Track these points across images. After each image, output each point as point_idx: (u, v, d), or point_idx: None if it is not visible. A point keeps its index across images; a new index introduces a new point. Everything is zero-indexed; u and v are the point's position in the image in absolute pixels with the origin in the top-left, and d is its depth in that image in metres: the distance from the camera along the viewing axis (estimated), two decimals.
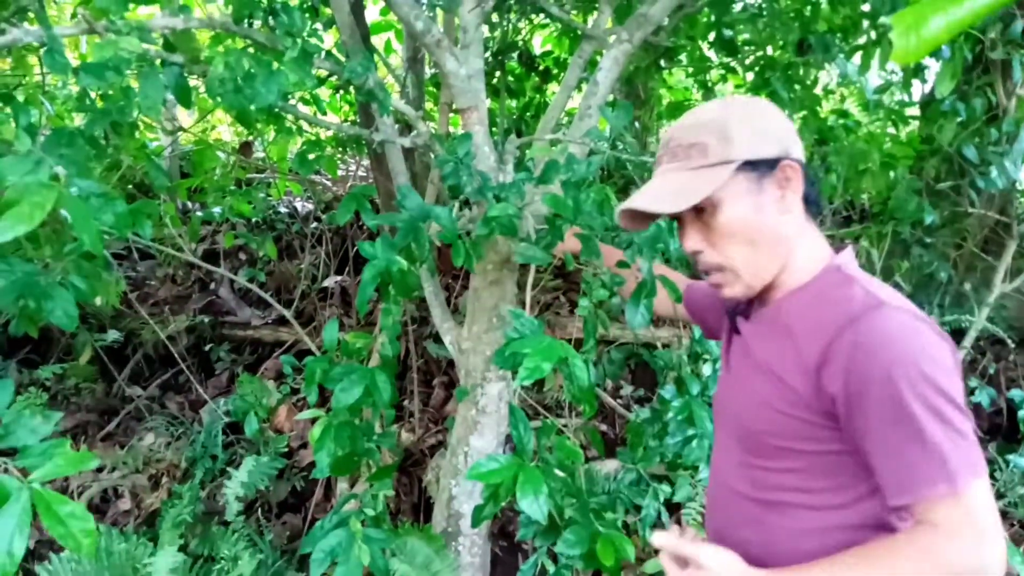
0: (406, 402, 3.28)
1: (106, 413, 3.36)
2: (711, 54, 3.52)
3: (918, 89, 3.51)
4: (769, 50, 3.33)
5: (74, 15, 1.73)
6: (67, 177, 1.29)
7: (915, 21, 0.37)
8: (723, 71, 3.63)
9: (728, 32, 3.08)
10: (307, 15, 1.68)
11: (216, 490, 2.82)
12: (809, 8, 2.97)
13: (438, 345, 3.33)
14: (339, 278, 3.98)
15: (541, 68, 3.90)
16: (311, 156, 2.01)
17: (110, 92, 1.50)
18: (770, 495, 1.10)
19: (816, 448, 1.03)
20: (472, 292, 2.11)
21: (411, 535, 2.10)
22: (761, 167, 1.05)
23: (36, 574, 2.14)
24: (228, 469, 2.81)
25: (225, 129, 5.55)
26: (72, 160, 1.33)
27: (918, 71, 3.15)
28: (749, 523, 1.14)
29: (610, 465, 2.89)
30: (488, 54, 3.52)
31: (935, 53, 2.84)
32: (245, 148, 4.42)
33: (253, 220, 4.18)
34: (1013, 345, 3.39)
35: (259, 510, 2.86)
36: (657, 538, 1.09)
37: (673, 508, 2.61)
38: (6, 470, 1.13)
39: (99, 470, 2.92)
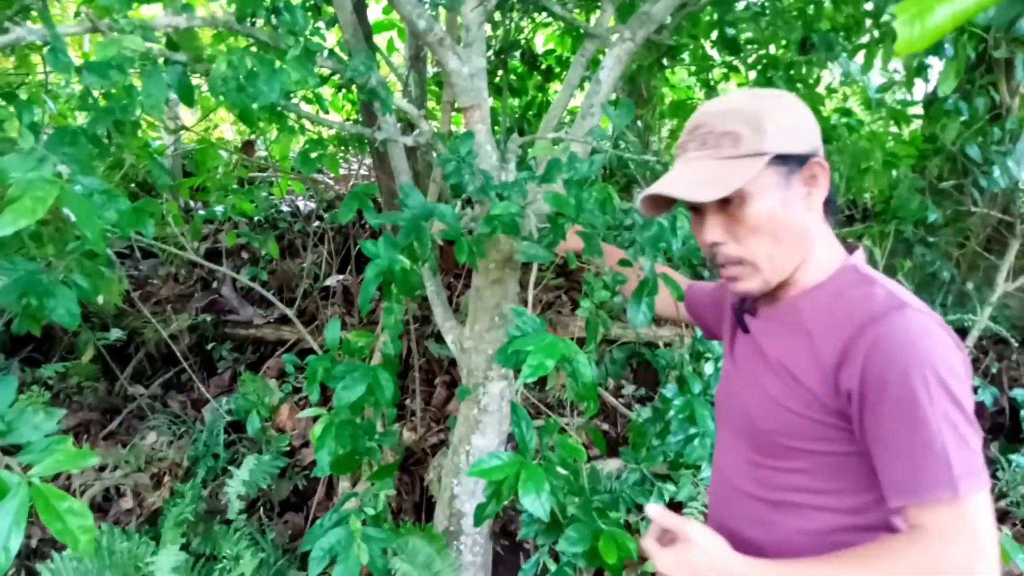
0: (408, 401, 3.28)
1: (108, 412, 3.37)
2: (714, 53, 3.52)
3: (921, 88, 3.50)
4: (772, 49, 3.33)
5: (77, 14, 1.74)
6: (70, 175, 1.29)
7: (920, 10, 0.37)
8: (725, 70, 3.64)
9: (731, 31, 3.08)
10: (309, 14, 1.68)
11: (218, 489, 2.82)
12: (812, 7, 2.97)
13: (440, 344, 3.33)
14: (341, 277, 3.98)
15: (543, 67, 3.90)
16: (313, 155, 2.01)
17: (113, 91, 1.50)
18: (778, 495, 1.10)
19: (826, 449, 1.03)
20: (474, 291, 2.11)
21: (413, 534, 2.10)
22: (791, 163, 1.03)
23: (38, 572, 2.15)
24: (230, 468, 2.81)
25: (227, 128, 5.55)
26: (75, 158, 1.33)
27: (921, 70, 3.15)
28: (757, 523, 1.13)
29: (612, 464, 2.89)
30: (490, 53, 3.52)
31: (938, 51, 2.84)
32: (247, 147, 4.42)
33: (255, 219, 4.19)
34: (1016, 344, 3.38)
35: (261, 509, 2.86)
36: (651, 508, 1.08)
37: (675, 507, 2.61)
38: (7, 466, 1.13)
39: (101, 469, 2.92)
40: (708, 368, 2.02)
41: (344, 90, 4.08)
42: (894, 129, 3.64)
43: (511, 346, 1.37)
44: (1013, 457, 3.07)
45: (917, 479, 0.91)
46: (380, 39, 3.58)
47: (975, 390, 3.36)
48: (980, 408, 3.38)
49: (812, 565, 0.96)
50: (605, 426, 3.30)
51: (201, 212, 3.85)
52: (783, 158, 1.02)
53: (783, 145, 1.02)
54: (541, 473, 1.38)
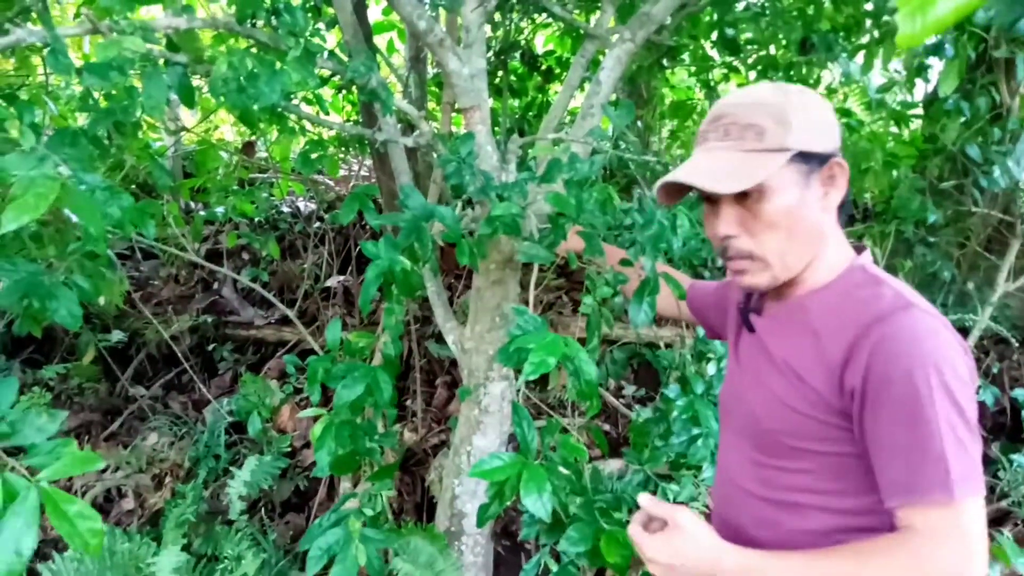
0: (409, 401, 3.28)
1: (109, 413, 3.37)
2: (714, 53, 3.52)
3: (921, 88, 3.50)
4: (772, 49, 3.33)
5: (78, 15, 1.74)
6: (72, 174, 1.29)
7: (921, 4, 0.37)
8: (726, 70, 3.63)
9: (731, 31, 3.08)
10: (310, 15, 1.68)
11: (219, 490, 2.83)
12: (812, 7, 2.97)
13: (440, 345, 3.33)
14: (342, 278, 3.98)
15: (543, 67, 3.90)
16: (313, 156, 2.01)
17: (113, 92, 1.50)
18: (782, 495, 1.09)
19: (831, 449, 1.02)
20: (475, 291, 2.11)
21: (414, 534, 2.10)
22: (812, 161, 1.02)
23: (39, 573, 2.15)
24: (231, 469, 2.81)
25: (228, 129, 5.56)
26: (76, 159, 1.33)
27: (921, 70, 3.14)
28: (761, 523, 1.13)
29: (613, 465, 2.89)
30: (491, 53, 3.52)
31: (939, 51, 2.84)
32: (248, 148, 4.43)
33: (256, 220, 4.19)
34: (1017, 344, 3.38)
35: (262, 510, 2.86)
36: (642, 498, 1.08)
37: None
38: (12, 469, 1.13)
39: (103, 470, 2.92)
40: (711, 368, 2.02)
41: (344, 91, 4.08)
42: (894, 129, 3.63)
43: (513, 344, 1.37)
44: (1014, 457, 3.07)
45: (913, 480, 0.91)
46: (380, 40, 3.58)
47: (976, 390, 3.35)
48: (981, 408, 3.37)
49: (803, 558, 0.96)
50: (606, 427, 3.30)
51: (202, 213, 3.85)
52: (805, 156, 1.01)
53: (806, 142, 1.01)
54: (543, 473, 1.38)
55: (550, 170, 1.65)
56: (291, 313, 3.17)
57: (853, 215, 4.29)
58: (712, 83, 3.80)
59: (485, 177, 1.74)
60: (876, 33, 2.95)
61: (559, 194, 1.58)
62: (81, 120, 3.00)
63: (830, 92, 3.64)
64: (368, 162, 5.00)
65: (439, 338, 3.23)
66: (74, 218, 1.25)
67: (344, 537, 1.61)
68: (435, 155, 2.00)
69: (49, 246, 1.72)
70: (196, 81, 1.75)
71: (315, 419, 1.76)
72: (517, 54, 3.75)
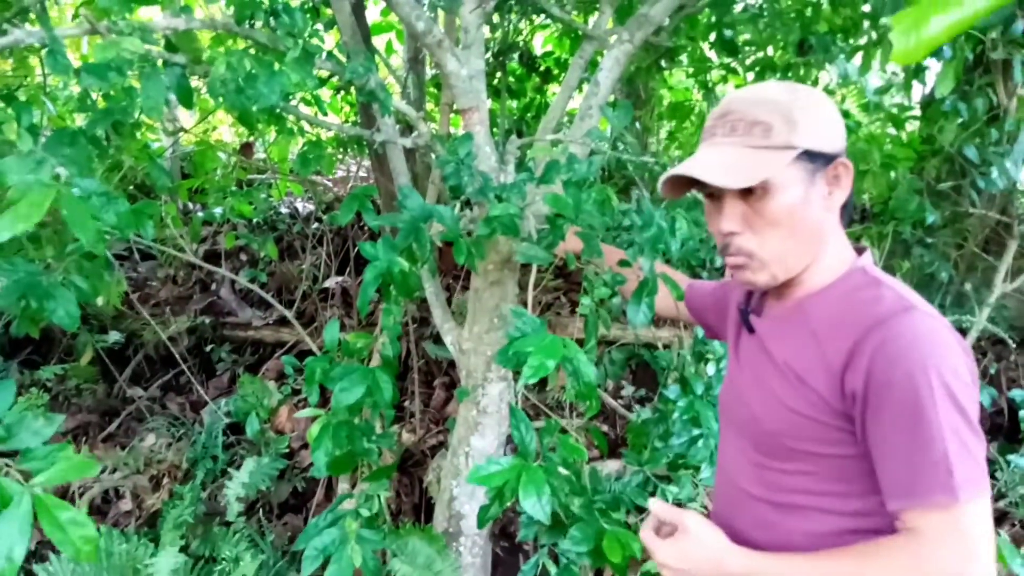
0: (407, 402, 3.28)
1: (107, 414, 3.36)
2: (712, 54, 3.53)
3: (918, 89, 3.51)
4: (770, 51, 3.33)
5: (76, 16, 1.74)
6: (69, 177, 1.29)
7: (915, 21, 0.37)
8: (724, 71, 3.64)
9: (729, 32, 3.08)
10: (308, 16, 1.68)
11: (217, 491, 2.82)
12: (810, 9, 2.97)
13: (437, 346, 3.33)
14: (340, 279, 3.98)
15: (542, 69, 3.91)
16: (312, 156, 2.01)
17: (112, 93, 1.50)
18: (783, 497, 1.09)
19: (832, 451, 1.02)
20: (473, 292, 2.11)
21: (412, 535, 2.10)
22: (818, 160, 1.02)
23: (35, 574, 2.14)
24: (229, 470, 2.81)
25: (226, 130, 5.55)
26: (74, 160, 1.33)
27: (918, 72, 3.15)
28: (761, 525, 1.12)
29: (611, 465, 2.89)
30: (489, 55, 3.52)
31: (936, 53, 2.84)
32: (246, 149, 4.42)
33: (254, 221, 4.19)
34: (1014, 345, 3.38)
35: (260, 511, 2.86)
36: (653, 503, 1.10)
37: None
38: (7, 473, 1.13)
39: (100, 471, 2.92)
40: (710, 369, 2.03)
41: (343, 92, 4.08)
42: (892, 131, 3.64)
43: (511, 347, 1.37)
44: (1011, 458, 3.07)
45: (916, 482, 0.91)
46: (379, 41, 3.58)
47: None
48: (979, 409, 3.37)
49: (805, 560, 0.97)
50: (604, 427, 3.30)
51: (200, 214, 3.84)
52: (811, 155, 1.01)
53: (813, 141, 1.01)
54: (541, 476, 1.38)
55: (548, 171, 1.65)
56: (289, 314, 3.16)
57: (852, 217, 4.29)
58: (710, 84, 3.80)
59: (483, 178, 1.74)
60: (874, 35, 2.95)
61: (557, 195, 1.58)
62: (79, 121, 3.00)
63: (828, 93, 3.65)
64: (366, 163, 4.99)
65: (437, 339, 3.23)
66: (68, 219, 1.25)
67: (340, 537, 1.60)
68: (433, 156, 2.00)
69: (47, 247, 1.71)
70: (194, 82, 1.75)
71: (313, 420, 1.76)
72: (515, 55, 3.75)
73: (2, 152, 1.31)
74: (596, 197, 1.61)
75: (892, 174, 3.31)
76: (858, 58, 3.01)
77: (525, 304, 2.09)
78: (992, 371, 3.57)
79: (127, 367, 3.57)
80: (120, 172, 2.74)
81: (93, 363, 3.41)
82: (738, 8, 3.04)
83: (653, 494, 2.06)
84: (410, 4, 1.80)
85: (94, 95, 1.58)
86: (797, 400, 1.04)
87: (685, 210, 1.66)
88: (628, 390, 3.47)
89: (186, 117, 4.34)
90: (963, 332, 3.33)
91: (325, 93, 3.90)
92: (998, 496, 3.03)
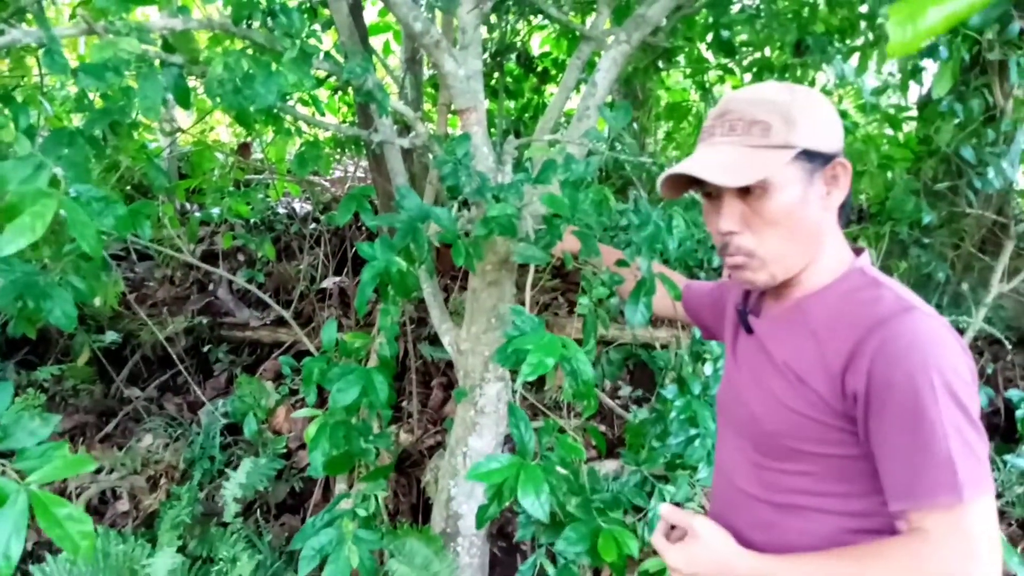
0: (404, 403, 3.28)
1: (104, 414, 3.36)
2: (709, 55, 3.53)
3: (915, 90, 3.52)
4: (767, 51, 3.34)
5: (73, 16, 1.73)
6: (66, 179, 1.29)
7: (912, 12, 0.37)
8: (721, 72, 3.65)
9: (726, 33, 3.08)
10: (306, 16, 1.68)
11: (214, 491, 2.82)
12: (807, 9, 2.98)
13: (435, 347, 3.33)
14: (338, 279, 3.98)
15: (539, 69, 3.91)
16: (310, 157, 2.02)
17: (109, 93, 1.50)
18: (782, 498, 1.09)
19: (832, 451, 1.02)
20: (471, 293, 2.11)
21: (410, 536, 2.10)
22: (816, 160, 1.02)
23: (31, 575, 2.14)
24: (226, 470, 2.81)
25: (224, 130, 5.55)
26: (72, 161, 1.33)
27: (915, 73, 3.16)
28: (760, 525, 1.12)
29: (608, 465, 2.89)
30: (486, 55, 3.52)
31: (933, 54, 2.85)
32: (243, 149, 4.42)
33: (251, 221, 4.18)
34: (1010, 345, 3.39)
35: (258, 511, 2.86)
36: (663, 507, 1.12)
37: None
38: (4, 472, 1.13)
39: (97, 471, 2.92)
40: (707, 369, 2.03)
41: (340, 92, 4.08)
42: (889, 131, 3.65)
43: (510, 345, 1.37)
44: (1008, 458, 3.08)
45: (920, 483, 0.91)
46: (376, 41, 3.59)
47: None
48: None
49: (812, 561, 0.97)
50: (602, 427, 3.30)
51: (197, 214, 3.84)
52: (810, 154, 1.02)
53: (812, 141, 1.01)
54: (540, 474, 1.38)
55: (545, 170, 1.66)
56: (287, 314, 3.16)
57: (849, 217, 4.30)
58: (707, 85, 3.81)
59: (481, 178, 1.74)
60: (870, 35, 2.96)
61: (554, 195, 1.59)
62: (76, 121, 3.00)
63: (825, 94, 3.65)
64: (364, 163, 4.99)
65: (435, 339, 3.23)
66: (70, 224, 1.25)
67: (337, 538, 1.61)
68: (431, 156, 2.01)
69: (44, 247, 1.71)
70: (192, 82, 1.75)
71: (310, 420, 1.76)
72: (513, 56, 3.75)
73: (0, 155, 1.31)
74: (593, 197, 1.61)
75: (889, 174, 3.32)
76: (855, 59, 3.02)
77: (523, 304, 2.09)
78: (989, 371, 3.57)
79: (124, 367, 3.56)
80: (117, 172, 2.73)
81: (90, 363, 3.40)
82: (735, 9, 3.05)
83: (651, 494, 2.06)
84: (408, 4, 1.80)
85: (91, 95, 1.58)
86: (797, 400, 1.04)
87: (683, 210, 1.66)
88: (626, 390, 3.47)
89: (183, 117, 4.34)
90: (960, 332, 3.33)
91: (323, 93, 3.90)
92: (995, 496, 3.03)
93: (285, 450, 2.98)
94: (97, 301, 2.93)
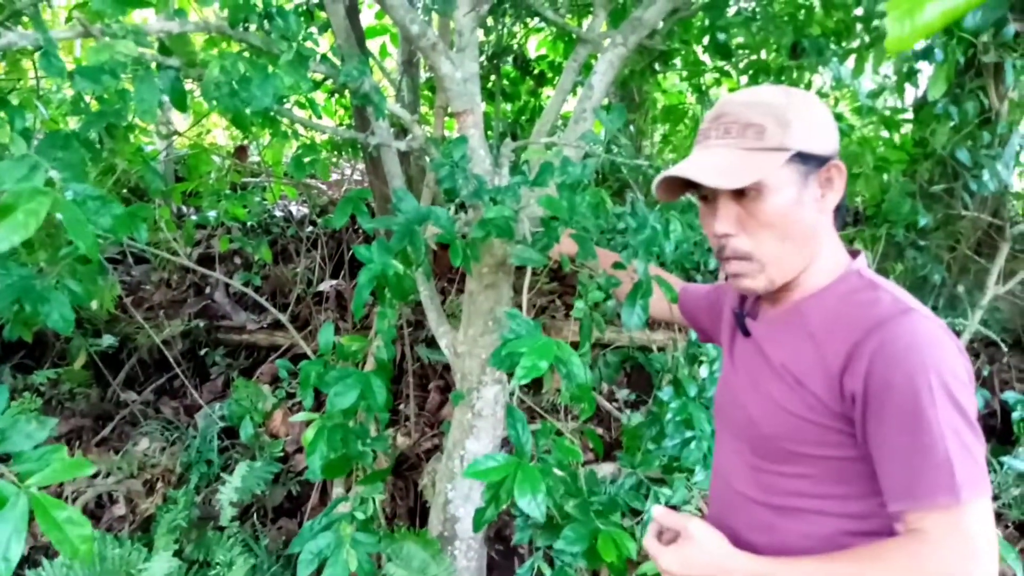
0: (402, 406, 3.27)
1: (101, 418, 3.35)
2: (705, 58, 3.54)
3: (911, 93, 3.53)
4: (763, 54, 3.34)
5: (69, 19, 1.73)
6: (62, 181, 1.28)
7: (909, 8, 0.37)
8: (717, 75, 3.65)
9: (722, 36, 3.09)
10: (302, 19, 1.68)
11: (211, 495, 2.81)
12: (803, 12, 2.99)
13: (431, 350, 3.33)
14: (335, 282, 3.97)
15: (536, 72, 3.92)
16: (306, 159, 2.02)
17: (105, 96, 1.50)
18: (781, 500, 1.09)
19: (830, 453, 1.02)
20: (468, 296, 2.11)
21: (407, 539, 2.10)
22: (811, 162, 1.03)
23: None
24: (223, 474, 2.80)
25: (220, 133, 5.55)
26: (67, 164, 1.33)
27: (911, 75, 3.17)
28: (759, 528, 1.12)
29: (605, 468, 2.89)
30: (483, 58, 3.53)
31: (928, 56, 2.86)
32: (240, 152, 4.42)
33: (248, 224, 4.18)
34: (1006, 347, 3.40)
35: (254, 515, 2.85)
36: (656, 509, 1.11)
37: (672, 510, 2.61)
38: (2, 475, 1.13)
39: (94, 475, 2.91)
40: (703, 371, 2.03)
41: (337, 95, 4.08)
42: (884, 133, 3.66)
43: (505, 348, 1.37)
44: (1004, 459, 3.09)
45: (918, 484, 0.91)
46: (373, 44, 3.59)
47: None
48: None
49: (809, 563, 0.97)
50: (599, 430, 3.30)
51: (193, 217, 3.84)
52: (804, 156, 1.02)
53: (806, 143, 1.02)
54: (537, 474, 1.38)
55: (542, 173, 1.66)
56: (283, 317, 3.16)
57: (845, 219, 4.31)
58: (704, 87, 3.82)
59: (478, 181, 1.74)
60: (866, 38, 2.97)
61: (551, 197, 1.59)
62: (73, 124, 2.99)
63: (820, 97, 3.66)
64: (361, 166, 5.00)
65: (432, 342, 3.23)
66: (66, 224, 1.25)
67: (335, 541, 1.60)
68: (428, 159, 2.01)
69: (40, 251, 1.71)
70: (188, 85, 1.75)
71: (307, 424, 1.76)
72: (510, 58, 3.76)
73: None
74: (590, 200, 1.61)
75: (885, 177, 3.33)
76: (851, 61, 3.03)
77: (520, 307, 2.09)
78: (985, 373, 3.58)
79: (121, 371, 3.55)
80: (114, 175, 2.73)
81: (86, 367, 3.39)
82: (731, 12, 3.05)
83: (647, 496, 2.06)
84: (404, 7, 1.80)
85: (88, 98, 1.58)
86: (795, 403, 1.04)
87: (679, 213, 1.67)
88: (622, 393, 3.47)
89: (180, 120, 4.33)
90: (956, 334, 3.33)
91: (319, 96, 3.90)
92: (992, 497, 3.04)
93: (282, 454, 2.97)
94: (94, 305, 2.92)
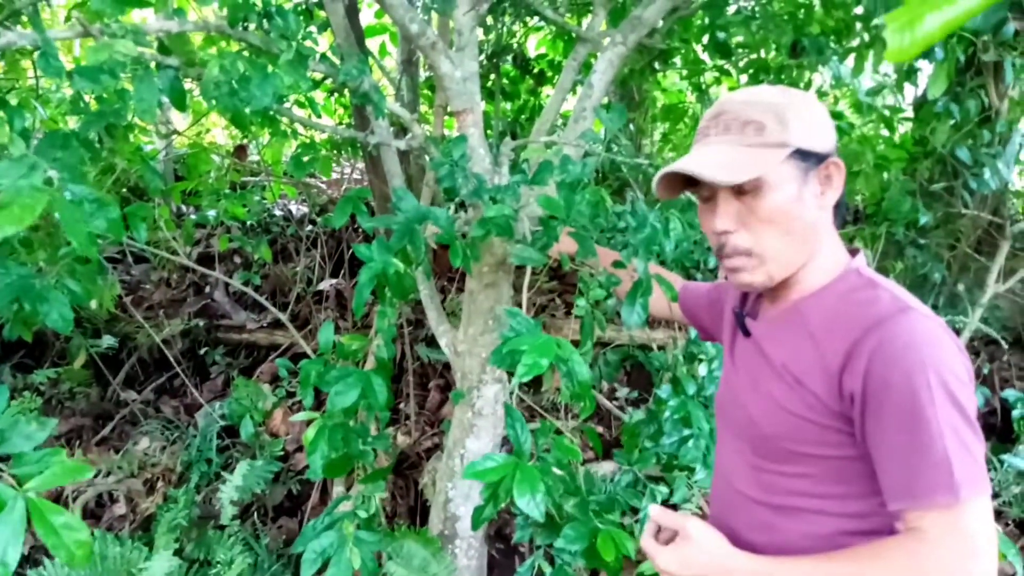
0: (402, 405, 3.27)
1: (101, 417, 3.35)
2: (705, 57, 3.54)
3: (911, 91, 3.53)
4: (763, 53, 3.34)
5: (68, 18, 1.73)
6: (61, 181, 1.28)
7: (909, 20, 0.37)
8: (717, 73, 3.65)
9: (722, 35, 3.09)
10: (302, 18, 1.68)
11: (211, 494, 2.81)
12: (802, 11, 2.98)
13: (431, 349, 3.33)
14: (334, 281, 3.97)
15: (536, 71, 3.91)
16: (305, 159, 2.01)
17: (105, 95, 1.50)
18: (781, 499, 1.09)
19: (831, 453, 1.02)
20: (468, 294, 2.11)
21: (407, 538, 2.10)
22: (810, 159, 1.03)
23: None
24: (223, 473, 2.80)
25: (220, 132, 5.54)
26: (66, 163, 1.33)
27: (911, 74, 3.17)
28: (760, 527, 1.12)
29: (606, 467, 2.89)
30: (483, 57, 3.53)
31: (928, 55, 2.86)
32: (240, 151, 4.42)
33: (248, 223, 4.18)
34: (1007, 345, 3.40)
35: (255, 514, 2.85)
36: (653, 509, 1.11)
37: (670, 509, 2.61)
38: (0, 478, 1.13)
39: (94, 475, 2.91)
40: (702, 369, 2.03)
41: (337, 94, 4.08)
42: (884, 132, 3.66)
43: (506, 346, 1.37)
44: (1005, 457, 3.09)
45: (917, 483, 0.91)
46: (372, 43, 3.58)
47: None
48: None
49: (808, 563, 0.97)
50: (599, 429, 3.30)
51: (193, 217, 3.84)
52: (803, 153, 1.03)
53: (805, 140, 1.02)
54: (536, 474, 1.38)
55: (541, 171, 1.66)
56: (283, 317, 3.16)
57: (845, 217, 4.30)
58: (703, 86, 3.81)
59: (478, 180, 1.74)
60: (866, 36, 2.97)
61: (550, 196, 1.59)
62: (72, 123, 2.99)
63: (820, 95, 3.66)
64: (360, 165, 5.00)
65: (432, 341, 3.23)
66: (63, 223, 1.25)
67: (338, 540, 1.60)
68: (428, 158, 2.01)
69: (39, 250, 1.71)
70: (188, 84, 1.74)
71: (308, 423, 1.76)
72: (509, 57, 3.75)
73: None
74: (590, 199, 1.61)
75: (885, 175, 3.33)
76: (851, 60, 3.02)
77: (520, 306, 2.09)
78: (985, 371, 3.58)
79: (121, 370, 3.55)
80: (113, 175, 2.73)
81: (86, 367, 3.39)
82: (731, 10, 3.05)
83: (643, 494, 2.06)
84: (404, 6, 1.80)
85: (87, 98, 1.58)
86: (795, 402, 1.04)
87: (679, 211, 1.66)
88: (623, 391, 3.47)
89: (179, 120, 4.33)
90: (956, 333, 3.33)
91: (319, 95, 3.90)
92: (992, 495, 3.04)
93: (282, 452, 2.97)
94: (93, 304, 2.92)
